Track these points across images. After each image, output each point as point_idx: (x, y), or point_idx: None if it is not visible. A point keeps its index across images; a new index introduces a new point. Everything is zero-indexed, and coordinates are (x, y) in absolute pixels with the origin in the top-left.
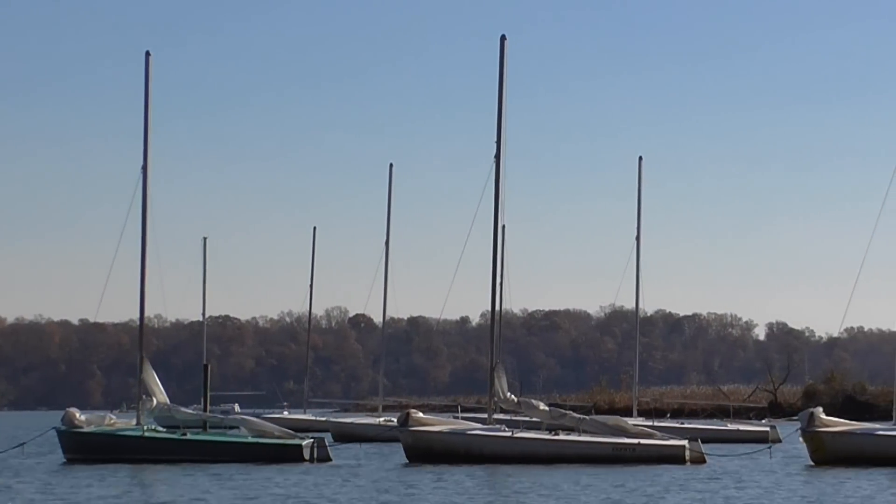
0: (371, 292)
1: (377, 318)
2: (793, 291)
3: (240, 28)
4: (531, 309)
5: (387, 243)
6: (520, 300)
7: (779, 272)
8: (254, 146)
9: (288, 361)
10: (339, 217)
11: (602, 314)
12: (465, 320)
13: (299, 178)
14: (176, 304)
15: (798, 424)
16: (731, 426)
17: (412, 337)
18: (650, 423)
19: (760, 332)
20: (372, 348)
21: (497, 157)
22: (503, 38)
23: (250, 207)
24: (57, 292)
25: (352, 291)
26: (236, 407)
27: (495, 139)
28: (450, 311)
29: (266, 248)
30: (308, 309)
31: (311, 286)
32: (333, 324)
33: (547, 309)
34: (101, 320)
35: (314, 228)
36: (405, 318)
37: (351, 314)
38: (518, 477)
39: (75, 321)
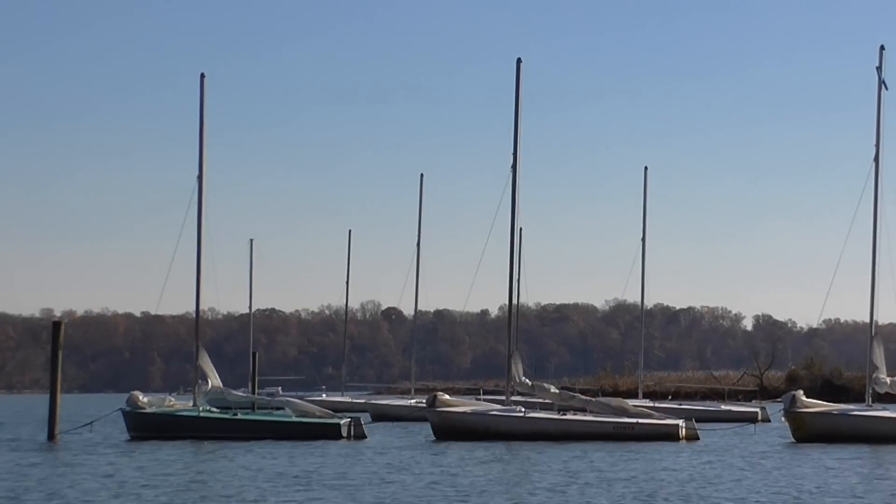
0: (404, 288)
1: (407, 311)
2: (777, 286)
3: (284, 52)
4: (544, 302)
5: (418, 244)
6: (534, 294)
7: (765, 269)
8: (296, 157)
9: (327, 349)
10: (373, 221)
11: (607, 307)
12: (485, 313)
13: (337, 186)
14: (227, 299)
15: (782, 405)
16: (723, 407)
17: (438, 327)
18: (652, 405)
19: (748, 324)
20: (402, 338)
21: (514, 167)
22: (519, 60)
23: (294, 212)
24: (122, 288)
25: (384, 287)
26: (279, 390)
27: (512, 151)
28: (472, 305)
29: (308, 249)
30: (345, 302)
31: (348, 282)
32: (368, 316)
33: (558, 302)
34: (161, 313)
35: (349, 231)
36: (432, 310)
37: (383, 307)
38: (530, 452)
39: (138, 313)
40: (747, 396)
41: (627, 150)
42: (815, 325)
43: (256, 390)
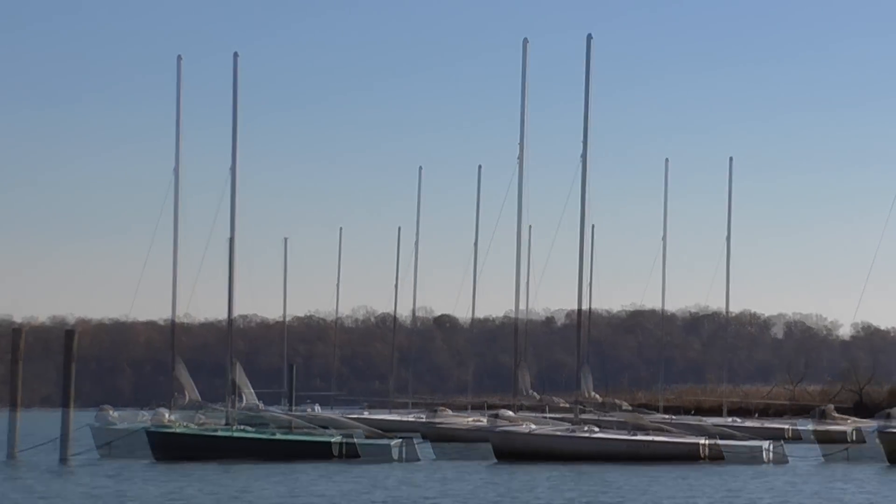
0: (460, 292)
1: (462, 318)
2: (880, 292)
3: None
4: (615, 309)
5: (475, 244)
6: (606, 300)
7: (865, 273)
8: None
9: (372, 361)
10: (426, 219)
11: (687, 314)
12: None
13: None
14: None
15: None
16: (811, 426)
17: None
18: (732, 423)
19: (846, 332)
20: (459, 347)
21: (584, 156)
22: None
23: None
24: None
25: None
26: (317, 407)
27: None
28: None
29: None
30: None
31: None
32: (419, 324)
33: (632, 309)
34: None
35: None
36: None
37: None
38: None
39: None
40: (843, 414)
41: (709, 138)
42: None
43: (293, 407)
